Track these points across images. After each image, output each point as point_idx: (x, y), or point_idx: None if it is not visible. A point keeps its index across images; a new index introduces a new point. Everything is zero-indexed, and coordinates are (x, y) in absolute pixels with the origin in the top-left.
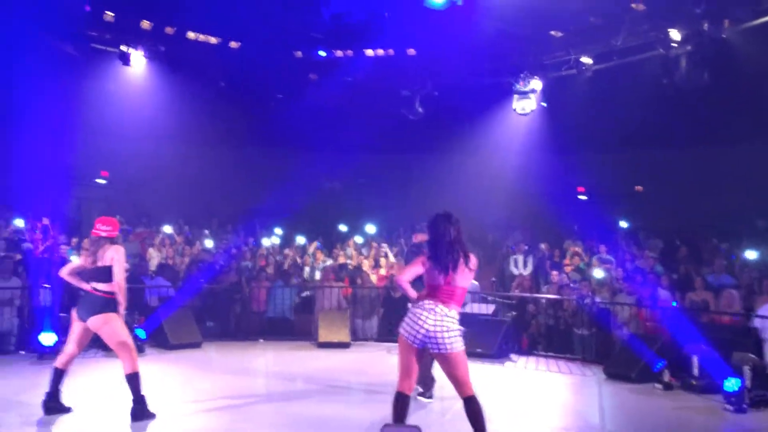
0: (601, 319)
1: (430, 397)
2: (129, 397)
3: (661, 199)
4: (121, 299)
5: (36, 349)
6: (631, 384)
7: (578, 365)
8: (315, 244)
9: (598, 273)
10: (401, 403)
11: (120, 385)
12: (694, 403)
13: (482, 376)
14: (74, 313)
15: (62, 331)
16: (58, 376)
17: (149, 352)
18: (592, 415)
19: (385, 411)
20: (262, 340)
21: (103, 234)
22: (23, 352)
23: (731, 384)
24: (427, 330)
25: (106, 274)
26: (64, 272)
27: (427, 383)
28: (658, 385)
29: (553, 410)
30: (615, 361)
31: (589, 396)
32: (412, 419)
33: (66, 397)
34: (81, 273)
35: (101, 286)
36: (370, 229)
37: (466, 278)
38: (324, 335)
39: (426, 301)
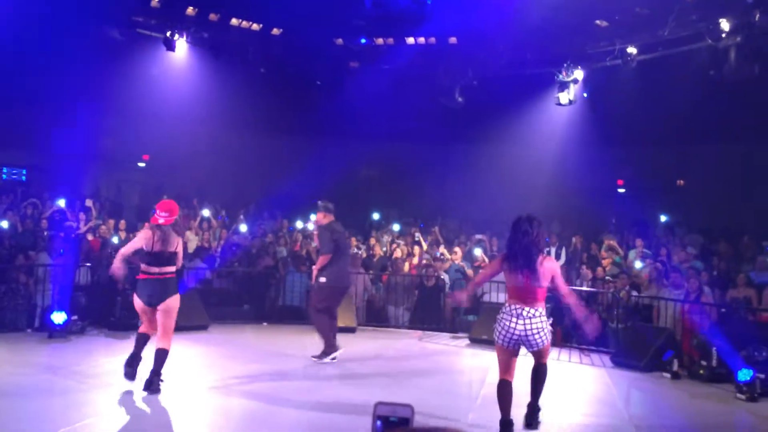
0: (636, 314)
1: (334, 358)
2: (150, 368)
3: (703, 194)
4: None
5: (48, 327)
6: (639, 373)
7: (610, 358)
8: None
9: (638, 263)
10: (506, 389)
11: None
12: (704, 391)
13: (487, 363)
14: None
15: (74, 311)
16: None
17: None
18: (615, 403)
19: (382, 393)
20: (266, 324)
21: (161, 220)
22: (30, 330)
23: (744, 374)
24: (519, 334)
25: (174, 258)
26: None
27: (329, 345)
28: (666, 374)
29: (575, 398)
30: (623, 350)
31: (610, 385)
32: (438, 405)
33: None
34: (149, 256)
35: (172, 269)
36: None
37: (543, 277)
38: None
39: (512, 306)
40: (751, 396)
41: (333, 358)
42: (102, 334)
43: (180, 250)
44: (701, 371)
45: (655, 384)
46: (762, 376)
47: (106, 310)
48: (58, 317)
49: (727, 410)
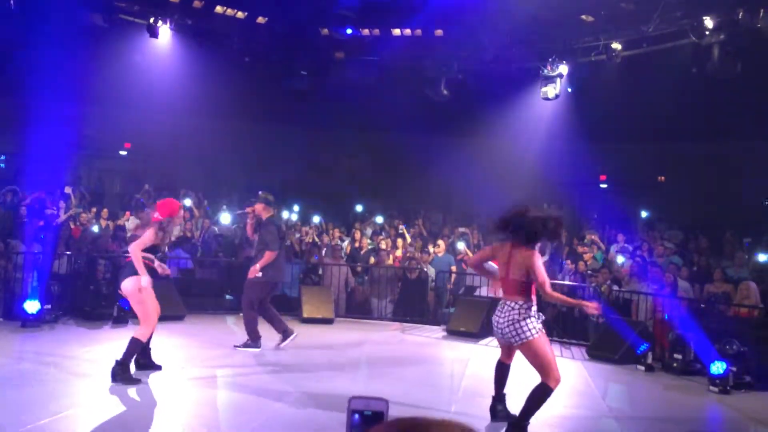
0: (615, 308)
1: (287, 338)
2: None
3: (684, 190)
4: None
5: (20, 316)
6: (614, 365)
7: (586, 350)
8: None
9: (620, 258)
10: (497, 367)
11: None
12: (678, 383)
13: (466, 354)
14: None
15: (48, 300)
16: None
17: (132, 323)
18: (594, 395)
19: (363, 385)
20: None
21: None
22: (2, 319)
23: (717, 367)
24: (496, 325)
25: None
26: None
27: (254, 339)
28: (640, 367)
29: (556, 390)
30: (598, 343)
31: (588, 377)
32: (421, 397)
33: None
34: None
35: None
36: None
37: (525, 270)
38: (308, 311)
39: (502, 297)
40: (724, 389)
41: (242, 347)
42: (76, 324)
43: (139, 233)
44: (675, 364)
45: (631, 377)
46: (734, 369)
47: (80, 299)
48: (31, 306)
49: (700, 402)
